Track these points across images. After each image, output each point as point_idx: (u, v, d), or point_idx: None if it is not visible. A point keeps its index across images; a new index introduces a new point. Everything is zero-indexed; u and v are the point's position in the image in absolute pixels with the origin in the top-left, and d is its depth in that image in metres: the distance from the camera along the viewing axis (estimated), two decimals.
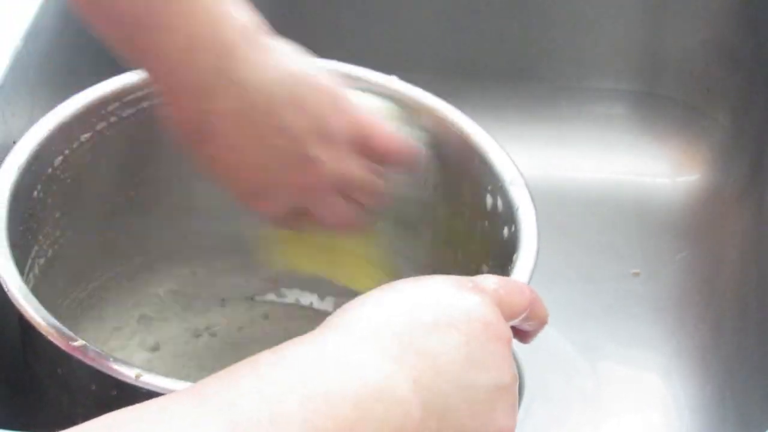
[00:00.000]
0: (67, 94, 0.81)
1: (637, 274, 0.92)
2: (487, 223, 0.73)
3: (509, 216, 0.70)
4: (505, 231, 0.71)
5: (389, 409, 0.47)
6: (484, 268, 0.73)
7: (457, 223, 0.76)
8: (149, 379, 0.59)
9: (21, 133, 0.81)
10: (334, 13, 0.99)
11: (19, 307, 0.62)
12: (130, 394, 0.59)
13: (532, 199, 0.70)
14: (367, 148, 0.69)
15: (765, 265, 0.86)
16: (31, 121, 0.82)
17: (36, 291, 0.65)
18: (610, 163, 0.99)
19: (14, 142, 0.80)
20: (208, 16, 0.63)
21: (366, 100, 0.72)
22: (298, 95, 0.66)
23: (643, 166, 0.99)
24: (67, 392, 0.65)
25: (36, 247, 0.73)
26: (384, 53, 0.78)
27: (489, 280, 0.55)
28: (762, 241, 0.88)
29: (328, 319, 0.50)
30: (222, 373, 0.46)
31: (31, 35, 0.82)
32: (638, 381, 0.85)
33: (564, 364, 0.86)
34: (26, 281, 0.66)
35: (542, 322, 0.58)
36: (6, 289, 0.63)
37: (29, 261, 0.72)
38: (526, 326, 0.57)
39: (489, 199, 0.72)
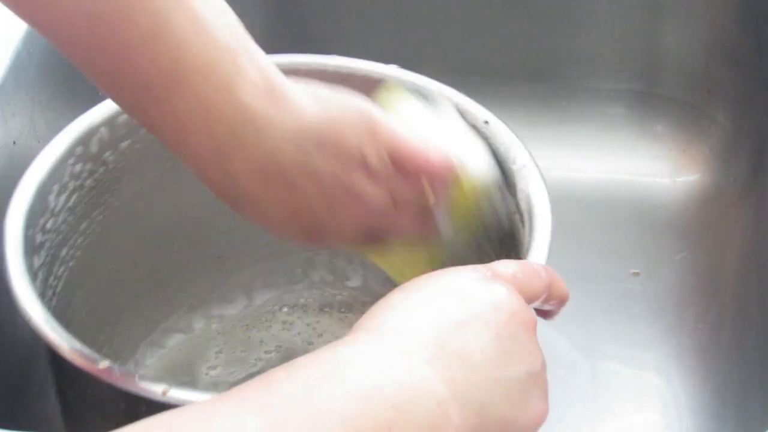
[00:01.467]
0: (67, 94, 0.81)
1: (637, 274, 0.92)
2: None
3: (521, 197, 0.71)
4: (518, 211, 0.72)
5: (428, 410, 0.47)
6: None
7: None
8: (176, 394, 0.59)
9: (21, 133, 0.81)
10: (337, 15, 0.99)
11: (43, 336, 0.62)
12: (159, 410, 0.59)
13: (543, 179, 0.71)
14: (405, 167, 0.65)
15: (765, 265, 0.86)
16: (32, 121, 0.82)
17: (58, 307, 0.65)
18: (610, 163, 0.99)
19: (14, 143, 0.80)
20: (222, 77, 0.59)
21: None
22: (325, 143, 0.62)
23: (643, 166, 0.99)
24: (98, 412, 0.65)
25: (58, 263, 0.73)
26: (386, 53, 0.78)
27: (506, 266, 0.55)
28: (762, 241, 0.88)
29: (358, 323, 0.51)
30: (258, 379, 0.47)
31: (31, 35, 0.82)
32: (638, 381, 0.85)
33: (564, 364, 0.86)
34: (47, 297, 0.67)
35: (563, 301, 0.59)
36: (29, 319, 0.63)
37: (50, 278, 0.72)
38: (547, 306, 0.58)
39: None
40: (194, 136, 0.60)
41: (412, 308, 0.51)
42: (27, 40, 0.82)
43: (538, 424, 0.53)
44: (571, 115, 0.99)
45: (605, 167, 0.99)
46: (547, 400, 0.54)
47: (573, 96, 1.00)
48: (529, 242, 0.68)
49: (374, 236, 0.66)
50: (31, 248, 0.68)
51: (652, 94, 1.00)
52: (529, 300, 0.55)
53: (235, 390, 0.46)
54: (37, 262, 0.68)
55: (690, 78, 0.98)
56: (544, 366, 0.54)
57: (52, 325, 0.62)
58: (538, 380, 0.53)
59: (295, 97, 0.62)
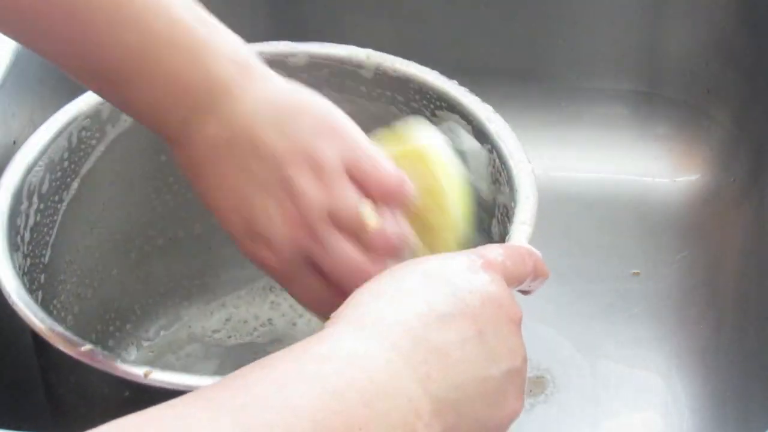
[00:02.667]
0: (67, 94, 0.81)
1: (637, 274, 0.92)
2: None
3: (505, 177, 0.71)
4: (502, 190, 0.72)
5: (399, 407, 0.47)
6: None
7: None
8: (159, 377, 0.59)
9: (21, 133, 0.81)
10: (335, 9, 0.99)
11: (26, 319, 0.63)
12: (142, 394, 0.59)
13: (527, 157, 0.71)
14: (357, 181, 0.62)
15: (765, 265, 0.86)
16: (32, 121, 0.82)
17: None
18: (610, 163, 0.99)
19: (14, 142, 0.80)
20: (188, 49, 0.61)
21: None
22: (281, 120, 0.62)
23: (643, 166, 0.99)
24: (82, 399, 0.65)
25: (48, 253, 0.73)
26: (384, 50, 0.78)
27: (494, 251, 0.55)
28: (762, 241, 0.88)
29: (340, 311, 0.51)
30: (233, 377, 0.46)
31: None
32: (638, 381, 0.85)
33: (564, 364, 0.86)
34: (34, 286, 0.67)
35: (544, 279, 0.58)
36: (11, 302, 0.63)
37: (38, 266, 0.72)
38: (527, 287, 0.58)
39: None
40: (165, 110, 0.62)
41: (399, 298, 0.50)
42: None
43: (512, 420, 0.52)
44: (571, 115, 0.99)
45: (605, 167, 0.99)
46: (523, 397, 0.53)
47: (573, 96, 1.00)
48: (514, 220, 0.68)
49: (307, 260, 0.62)
50: (14, 244, 0.68)
51: (652, 94, 1.00)
52: (515, 284, 0.55)
53: (209, 389, 0.45)
54: (21, 258, 0.69)
55: (690, 78, 0.98)
56: (524, 362, 0.53)
57: (33, 310, 0.63)
58: (516, 378, 0.52)
59: (265, 72, 0.63)
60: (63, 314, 0.75)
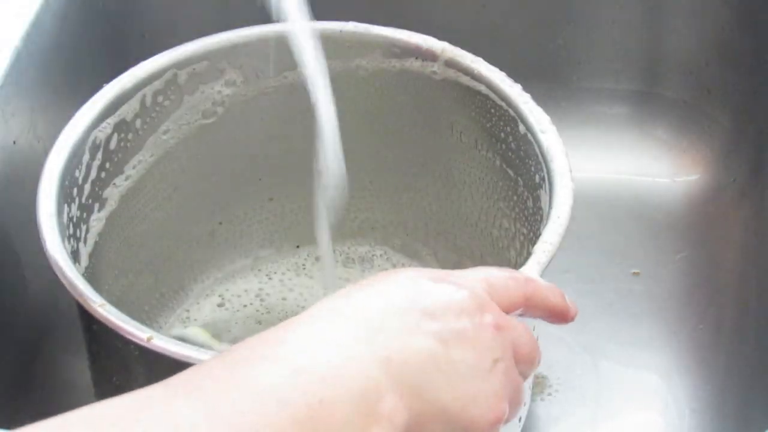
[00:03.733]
0: (67, 94, 0.81)
1: (637, 274, 0.92)
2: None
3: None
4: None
5: (359, 385, 0.48)
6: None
7: None
8: (160, 343, 0.61)
9: (21, 133, 0.81)
10: None
11: (54, 266, 0.65)
12: (148, 355, 0.61)
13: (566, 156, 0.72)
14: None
15: (765, 265, 0.86)
16: (32, 121, 0.82)
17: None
18: (610, 163, 0.99)
19: (14, 142, 0.80)
20: None
21: None
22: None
23: (643, 166, 0.99)
24: (100, 346, 0.68)
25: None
26: None
27: (477, 271, 0.55)
28: (762, 241, 0.88)
29: (309, 308, 0.51)
30: (195, 366, 0.47)
31: (31, 35, 0.82)
32: (638, 381, 0.85)
33: (564, 364, 0.86)
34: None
35: (552, 313, 0.58)
36: (48, 256, 0.65)
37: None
38: (530, 316, 0.57)
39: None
40: None
41: (362, 295, 0.51)
42: (27, 40, 0.82)
43: (492, 423, 0.52)
44: (571, 115, 0.99)
45: (605, 167, 0.99)
46: (505, 401, 0.53)
47: (573, 96, 1.00)
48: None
49: None
50: (69, 194, 0.71)
51: (653, 94, 1.00)
52: (505, 306, 0.55)
53: (171, 378, 0.46)
54: (75, 209, 0.71)
55: (690, 78, 0.98)
56: (497, 366, 0.53)
57: (64, 259, 0.65)
58: (490, 377, 0.52)
59: None
60: (105, 271, 0.76)
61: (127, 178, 0.77)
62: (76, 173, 0.72)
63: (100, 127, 0.74)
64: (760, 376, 0.80)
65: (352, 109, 0.81)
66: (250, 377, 0.46)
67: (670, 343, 0.87)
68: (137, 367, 0.65)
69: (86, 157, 0.73)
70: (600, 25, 0.98)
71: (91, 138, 0.74)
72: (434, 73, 0.79)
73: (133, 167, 0.77)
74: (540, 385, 0.84)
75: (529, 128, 0.74)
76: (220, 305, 0.85)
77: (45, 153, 0.74)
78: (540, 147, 0.73)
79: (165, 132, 0.78)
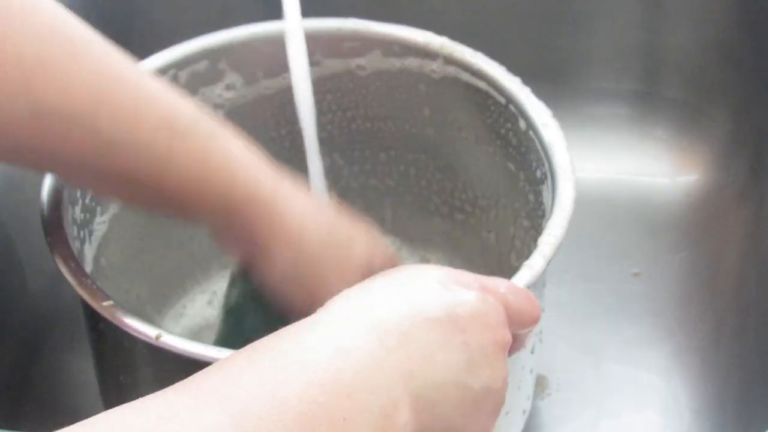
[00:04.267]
0: None
1: (637, 274, 0.92)
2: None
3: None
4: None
5: (379, 400, 0.47)
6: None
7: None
8: (169, 340, 0.61)
9: None
10: None
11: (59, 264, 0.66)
12: (157, 354, 0.62)
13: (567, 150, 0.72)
14: None
15: (765, 265, 0.86)
16: None
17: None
18: (610, 163, 0.99)
19: None
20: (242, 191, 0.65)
21: None
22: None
23: (643, 166, 0.99)
24: (106, 345, 0.68)
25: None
26: None
27: (499, 283, 0.55)
28: (762, 241, 0.88)
29: (330, 304, 0.51)
30: (218, 366, 0.47)
31: None
32: (638, 381, 0.85)
33: (564, 364, 0.86)
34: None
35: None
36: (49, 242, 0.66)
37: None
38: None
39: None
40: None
41: (389, 297, 0.51)
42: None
43: None
44: (571, 115, 0.99)
45: (605, 167, 0.99)
46: (495, 419, 0.53)
47: (573, 96, 1.00)
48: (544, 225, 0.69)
49: None
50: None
51: (652, 94, 1.00)
52: (516, 324, 0.55)
53: (195, 379, 0.46)
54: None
55: (690, 78, 0.98)
56: (504, 386, 0.53)
57: (77, 266, 0.65)
58: (495, 397, 0.52)
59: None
60: (108, 272, 0.76)
61: None
62: None
63: None
64: (760, 376, 0.80)
65: (352, 107, 0.81)
66: (278, 389, 0.45)
67: (670, 343, 0.87)
68: (145, 365, 0.65)
69: None
70: (600, 25, 0.98)
71: None
72: (433, 71, 0.79)
73: None
74: (540, 385, 0.84)
75: (530, 124, 0.74)
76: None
77: None
78: (541, 141, 0.73)
79: None
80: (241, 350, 0.48)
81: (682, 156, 0.99)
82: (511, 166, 0.77)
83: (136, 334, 0.62)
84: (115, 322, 0.62)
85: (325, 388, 0.46)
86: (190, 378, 0.46)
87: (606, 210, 0.97)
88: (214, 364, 0.47)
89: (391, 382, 0.48)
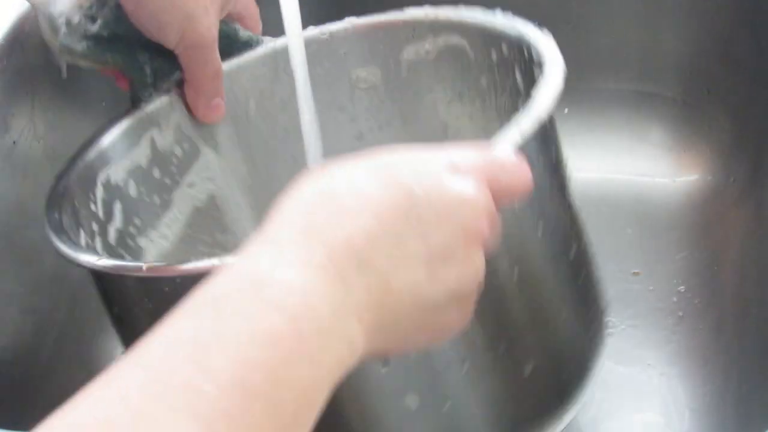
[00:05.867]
0: (67, 94, 0.81)
1: (637, 274, 0.92)
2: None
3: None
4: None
5: (334, 343, 0.44)
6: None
7: None
8: (157, 268, 0.60)
9: (21, 133, 0.81)
10: None
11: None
12: (150, 285, 0.60)
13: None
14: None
15: (765, 265, 0.86)
16: (32, 120, 0.82)
17: None
18: (610, 163, 0.99)
19: (14, 143, 0.80)
20: None
21: None
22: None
23: (643, 166, 0.99)
24: (100, 280, 0.67)
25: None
26: None
27: (484, 155, 0.51)
28: (762, 241, 0.88)
29: (277, 226, 0.47)
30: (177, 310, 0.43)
31: (30, 34, 0.82)
32: (638, 381, 0.85)
33: None
34: None
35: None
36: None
37: None
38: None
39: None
40: None
41: (348, 206, 0.47)
42: (26, 40, 0.82)
43: (454, 324, 0.50)
44: (572, 115, 0.99)
45: (605, 167, 0.99)
46: (468, 314, 0.50)
47: (573, 96, 0.99)
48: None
49: None
50: None
51: (652, 94, 1.00)
52: (500, 200, 0.50)
53: (173, 327, 0.42)
54: None
55: (690, 78, 0.98)
56: (477, 286, 0.50)
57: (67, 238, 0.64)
58: (462, 303, 0.49)
59: None
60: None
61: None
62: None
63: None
64: (760, 376, 0.80)
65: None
66: (251, 328, 0.42)
67: (670, 343, 0.87)
68: (149, 306, 0.63)
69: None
70: (600, 25, 0.98)
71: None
72: (428, 52, 0.78)
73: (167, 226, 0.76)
74: None
75: (511, 41, 0.72)
76: None
77: (45, 153, 0.74)
78: (528, 46, 0.71)
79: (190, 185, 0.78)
80: (180, 310, 0.43)
81: (682, 156, 0.99)
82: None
83: (127, 273, 0.61)
84: (109, 270, 0.61)
85: (297, 323, 0.43)
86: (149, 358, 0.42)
87: (606, 210, 0.97)
88: (155, 328, 0.42)
89: (350, 322, 0.45)
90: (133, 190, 0.74)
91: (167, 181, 0.76)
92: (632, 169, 0.99)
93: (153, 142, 0.75)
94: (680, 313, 0.89)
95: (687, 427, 0.82)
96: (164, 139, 0.76)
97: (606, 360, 0.86)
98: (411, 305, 0.48)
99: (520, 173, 0.52)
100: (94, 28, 0.72)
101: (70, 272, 0.72)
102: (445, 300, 0.49)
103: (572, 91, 1.00)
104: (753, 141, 0.95)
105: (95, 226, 0.70)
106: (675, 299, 0.90)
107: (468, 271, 0.49)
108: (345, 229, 0.46)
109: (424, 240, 0.47)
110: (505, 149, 0.58)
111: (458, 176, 0.49)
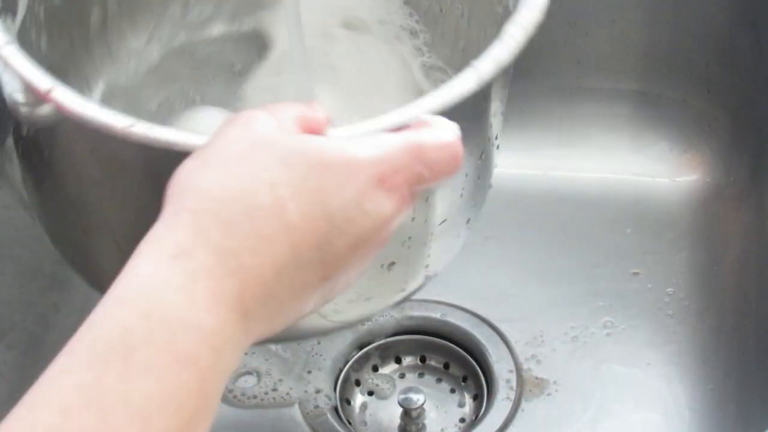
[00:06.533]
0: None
1: (637, 274, 0.92)
2: None
3: None
4: None
5: (225, 377, 0.44)
6: None
7: None
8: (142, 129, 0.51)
9: None
10: None
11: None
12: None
13: None
14: None
15: (765, 265, 0.86)
16: None
17: None
18: (610, 163, 0.99)
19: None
20: None
21: None
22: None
23: (643, 166, 0.99)
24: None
25: None
26: None
27: (402, 139, 0.48)
28: (762, 241, 0.88)
29: (191, 194, 0.46)
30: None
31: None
32: (638, 381, 0.85)
33: (564, 364, 0.86)
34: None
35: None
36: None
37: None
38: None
39: None
40: None
41: (219, 185, 0.45)
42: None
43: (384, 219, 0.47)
44: (571, 115, 0.99)
45: (605, 167, 0.99)
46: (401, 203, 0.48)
47: (573, 96, 1.00)
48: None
49: None
50: None
51: (652, 94, 1.00)
52: (430, 180, 0.48)
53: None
54: None
55: (690, 78, 0.98)
56: (383, 228, 0.47)
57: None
58: (367, 247, 0.47)
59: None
60: None
61: None
62: None
63: None
64: (760, 376, 0.80)
65: None
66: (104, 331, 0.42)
67: (670, 343, 0.87)
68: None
69: None
70: (600, 25, 0.98)
71: None
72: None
73: None
74: (540, 385, 0.84)
75: None
76: None
77: None
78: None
79: None
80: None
81: (682, 156, 0.99)
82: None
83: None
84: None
85: (149, 320, 0.42)
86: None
87: (606, 210, 0.96)
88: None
89: (219, 316, 0.44)
90: None
91: None
92: (632, 169, 0.99)
93: None
94: (680, 313, 0.89)
95: (687, 427, 0.82)
96: None
97: (606, 360, 0.86)
98: (294, 315, 0.47)
99: (449, 162, 0.49)
100: None
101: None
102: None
103: (572, 91, 1.01)
104: (753, 141, 0.95)
105: None
106: (675, 299, 0.90)
107: (359, 225, 0.47)
108: (258, 256, 0.45)
109: (325, 268, 0.46)
110: (444, 126, 0.52)
111: (381, 196, 0.47)
